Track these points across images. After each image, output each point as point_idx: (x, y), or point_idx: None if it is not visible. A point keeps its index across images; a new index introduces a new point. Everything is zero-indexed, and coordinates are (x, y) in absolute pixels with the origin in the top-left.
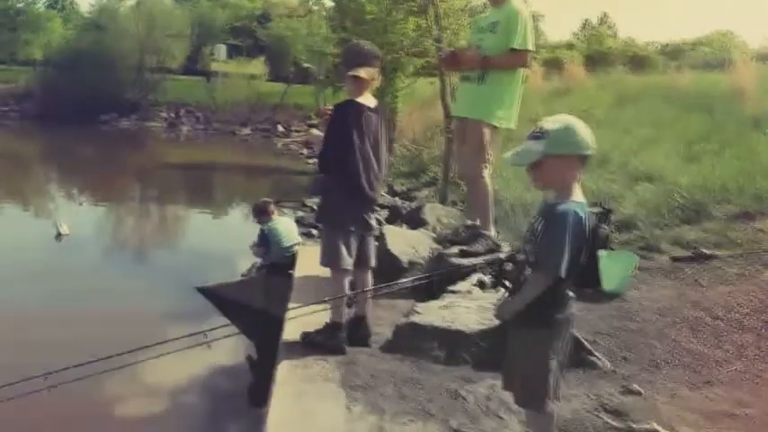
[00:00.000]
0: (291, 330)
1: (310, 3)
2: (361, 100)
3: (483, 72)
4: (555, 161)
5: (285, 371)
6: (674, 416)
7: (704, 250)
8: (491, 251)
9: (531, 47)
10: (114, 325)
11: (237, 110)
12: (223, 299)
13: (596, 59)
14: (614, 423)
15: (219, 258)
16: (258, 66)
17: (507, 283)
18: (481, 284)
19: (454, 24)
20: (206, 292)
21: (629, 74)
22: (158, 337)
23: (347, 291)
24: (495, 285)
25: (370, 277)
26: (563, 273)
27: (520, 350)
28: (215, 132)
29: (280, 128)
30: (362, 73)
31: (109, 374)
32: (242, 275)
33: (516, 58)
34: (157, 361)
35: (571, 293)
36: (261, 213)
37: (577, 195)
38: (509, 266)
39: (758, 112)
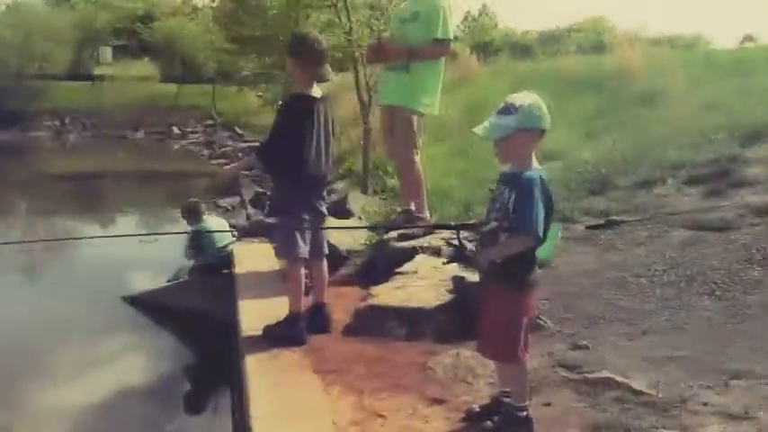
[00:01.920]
0: (251, 326)
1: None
2: (310, 91)
3: (408, 62)
4: (523, 134)
5: (255, 364)
6: (622, 364)
7: (614, 217)
8: (428, 233)
9: (452, 36)
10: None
11: (128, 113)
12: (156, 306)
13: (481, 49)
14: (571, 375)
15: (127, 268)
16: (144, 66)
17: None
18: (436, 253)
19: (365, 17)
20: (135, 301)
21: (514, 61)
22: (94, 348)
23: (304, 280)
24: (458, 254)
25: (325, 265)
26: (541, 233)
27: (496, 310)
28: (105, 138)
29: (175, 130)
30: (331, 76)
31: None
32: (168, 281)
33: (440, 48)
34: (88, 370)
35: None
36: (191, 214)
37: (536, 163)
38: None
39: (645, 89)
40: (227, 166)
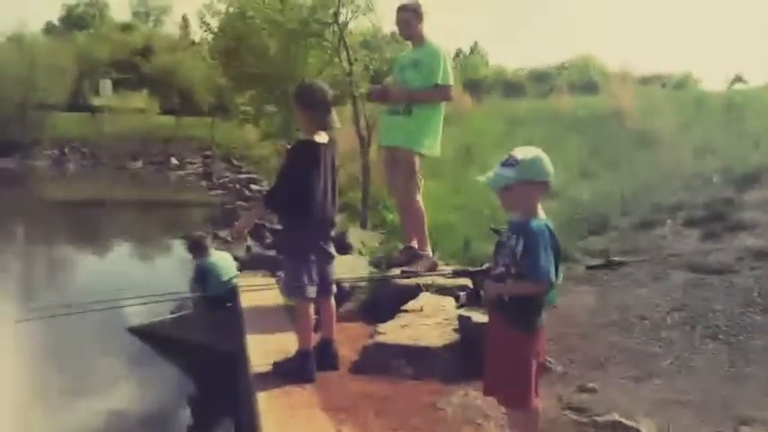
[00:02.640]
0: (260, 362)
1: (191, 36)
2: (315, 138)
3: (409, 106)
4: (524, 186)
5: (266, 401)
6: (630, 407)
7: (615, 258)
8: (431, 270)
9: (452, 82)
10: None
11: (126, 144)
12: (161, 337)
13: (472, 87)
14: (580, 419)
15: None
16: (143, 99)
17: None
18: (440, 291)
19: (366, 57)
20: (141, 332)
21: (507, 100)
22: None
23: (313, 318)
24: (474, 299)
25: (332, 303)
26: (553, 279)
27: (505, 355)
28: (103, 168)
29: (173, 161)
30: (336, 123)
31: None
32: (172, 312)
33: (440, 93)
34: (92, 401)
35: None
36: (197, 248)
37: (542, 214)
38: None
39: (639, 130)
40: (238, 223)
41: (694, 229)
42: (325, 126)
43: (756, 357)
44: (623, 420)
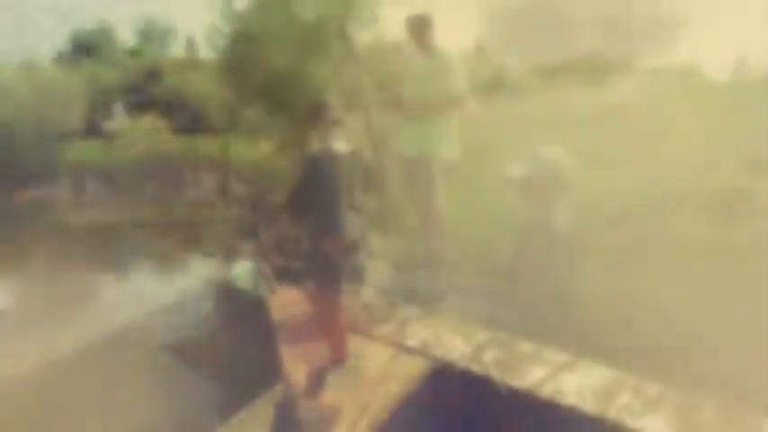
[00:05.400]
0: (295, 370)
1: (197, 56)
2: (335, 146)
3: (425, 116)
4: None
5: (305, 409)
6: None
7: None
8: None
9: (466, 91)
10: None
11: (142, 166)
12: (194, 352)
13: (478, 87)
14: None
15: (158, 312)
16: (154, 120)
17: None
18: None
19: (371, 65)
20: (172, 347)
21: (512, 97)
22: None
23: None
24: None
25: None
26: None
27: None
28: (121, 191)
29: (189, 179)
30: (339, 113)
31: None
32: (201, 326)
33: (455, 103)
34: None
35: None
36: (231, 257)
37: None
38: None
39: (646, 123)
40: (262, 239)
41: (709, 216)
42: (328, 121)
43: None
44: None
